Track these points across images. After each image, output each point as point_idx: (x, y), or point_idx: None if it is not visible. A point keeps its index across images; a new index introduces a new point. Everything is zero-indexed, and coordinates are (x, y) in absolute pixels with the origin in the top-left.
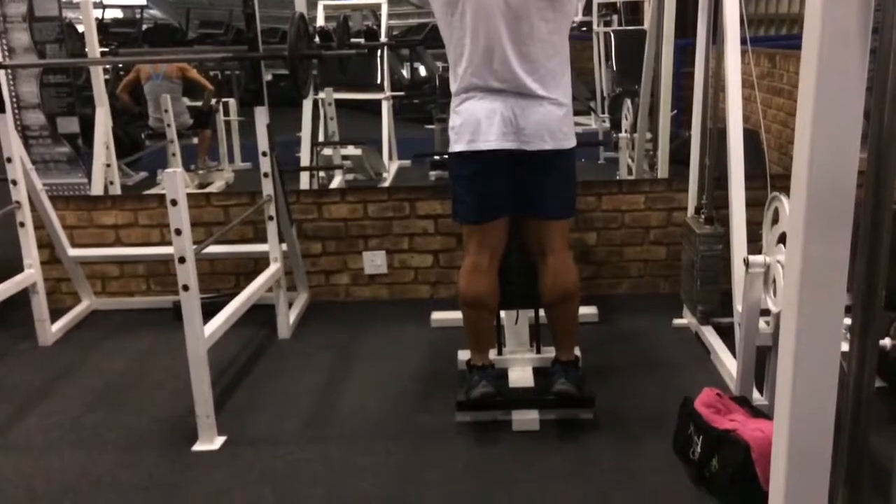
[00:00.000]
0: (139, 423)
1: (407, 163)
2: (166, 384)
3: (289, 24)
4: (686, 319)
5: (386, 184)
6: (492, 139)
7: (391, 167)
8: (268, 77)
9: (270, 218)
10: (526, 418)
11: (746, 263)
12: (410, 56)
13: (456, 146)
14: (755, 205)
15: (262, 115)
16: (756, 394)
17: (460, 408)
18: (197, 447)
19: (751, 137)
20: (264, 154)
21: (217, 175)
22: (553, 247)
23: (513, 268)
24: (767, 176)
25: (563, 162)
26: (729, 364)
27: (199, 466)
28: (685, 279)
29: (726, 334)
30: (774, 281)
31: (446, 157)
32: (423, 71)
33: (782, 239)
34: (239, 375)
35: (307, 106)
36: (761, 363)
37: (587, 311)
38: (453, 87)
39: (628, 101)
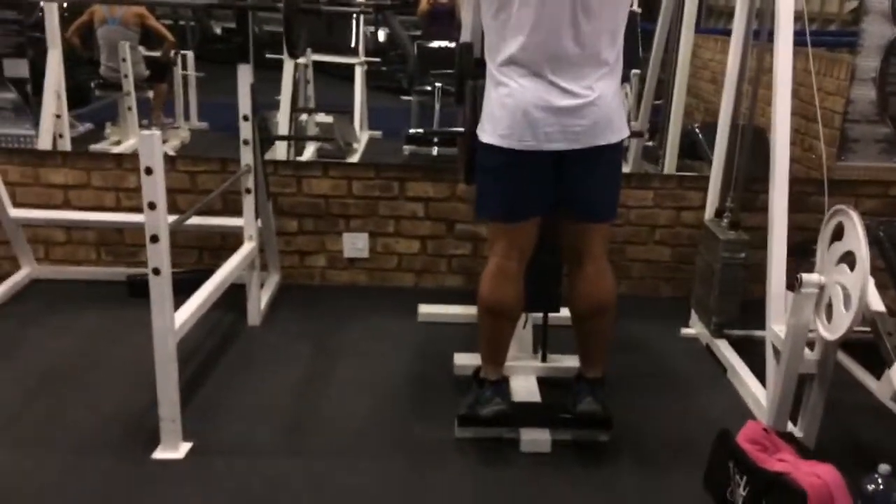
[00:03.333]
0: (90, 420)
1: (378, 134)
2: (121, 373)
3: None
4: (695, 329)
5: (356, 157)
6: (535, 140)
7: (362, 138)
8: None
9: (248, 191)
10: (536, 438)
11: (799, 281)
12: (376, 20)
13: (489, 136)
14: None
15: (245, 74)
16: (789, 424)
17: (463, 423)
18: (158, 454)
19: (760, 137)
20: (245, 118)
21: (172, 133)
22: (593, 252)
23: (534, 266)
24: (825, 181)
25: (613, 155)
26: (752, 386)
27: (161, 479)
28: (699, 286)
29: (742, 349)
30: (830, 305)
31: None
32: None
33: (845, 258)
34: (205, 368)
35: (288, 67)
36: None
37: None
38: (494, 58)
39: (626, 88)
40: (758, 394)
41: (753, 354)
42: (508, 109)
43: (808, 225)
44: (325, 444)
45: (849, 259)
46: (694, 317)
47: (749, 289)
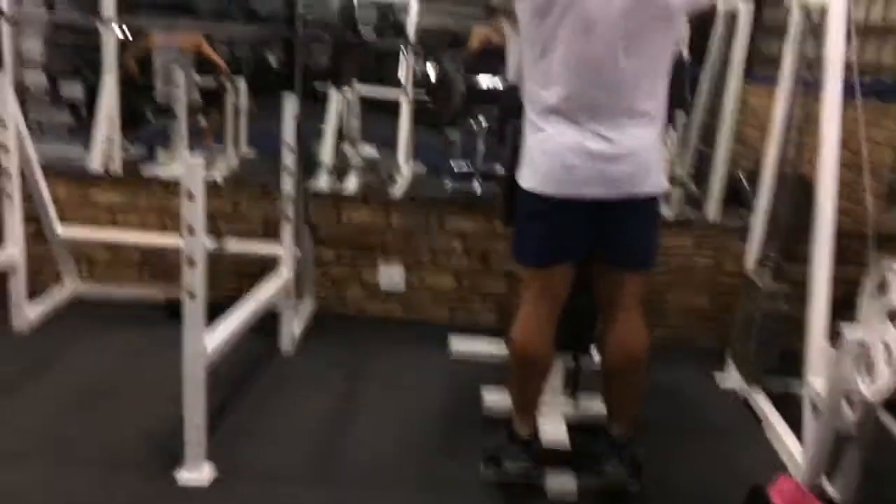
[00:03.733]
0: (119, 437)
1: (422, 168)
2: (153, 393)
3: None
4: (732, 379)
5: (399, 191)
6: (573, 186)
7: (406, 172)
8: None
9: (287, 219)
10: (563, 486)
11: (841, 337)
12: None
13: (527, 181)
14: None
15: (290, 103)
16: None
17: (489, 464)
18: (184, 477)
19: (805, 187)
20: (289, 147)
21: (221, 160)
22: (626, 303)
23: (568, 305)
24: (870, 233)
25: (651, 205)
26: (788, 441)
27: (182, 500)
28: (738, 336)
29: (780, 402)
30: (872, 362)
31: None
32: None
33: (890, 315)
34: (235, 392)
35: (335, 98)
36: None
37: None
38: (533, 107)
39: (671, 131)
40: (793, 449)
41: (791, 407)
42: (547, 156)
43: (853, 278)
44: (351, 474)
45: (894, 316)
46: (731, 366)
47: (789, 341)
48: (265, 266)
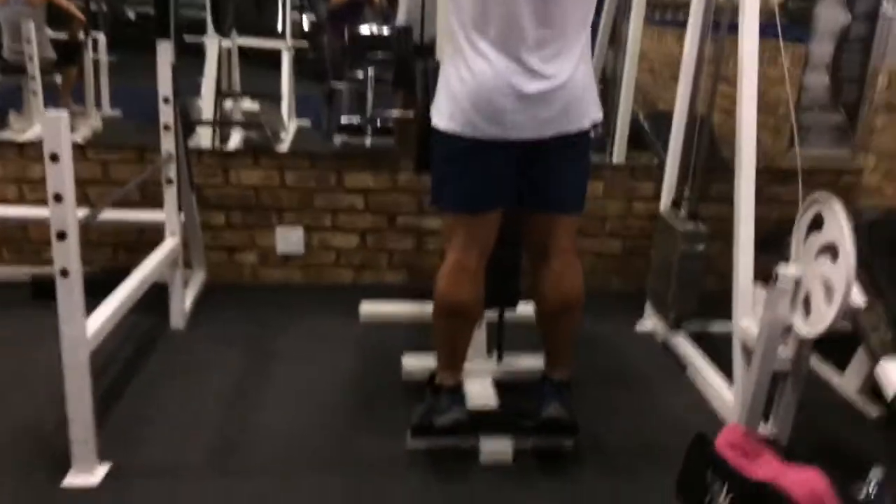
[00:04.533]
0: None
1: (307, 123)
2: (27, 384)
3: None
4: (651, 324)
5: (284, 146)
6: (501, 128)
7: (290, 127)
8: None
9: (170, 181)
10: (497, 448)
11: (775, 276)
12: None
13: (448, 122)
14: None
15: (165, 52)
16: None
17: (417, 433)
18: (70, 480)
19: (703, 126)
20: (166, 101)
21: (83, 121)
22: (560, 246)
23: (490, 259)
24: (799, 170)
25: (583, 142)
26: (716, 384)
27: None
28: (656, 280)
29: (700, 344)
30: (808, 299)
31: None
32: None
33: (826, 250)
34: (123, 379)
35: (212, 49)
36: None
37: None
38: (456, 40)
39: None
40: (722, 392)
41: (712, 349)
42: (471, 95)
43: (763, 215)
44: (261, 462)
45: (829, 251)
46: (649, 311)
47: (707, 282)
48: (144, 235)
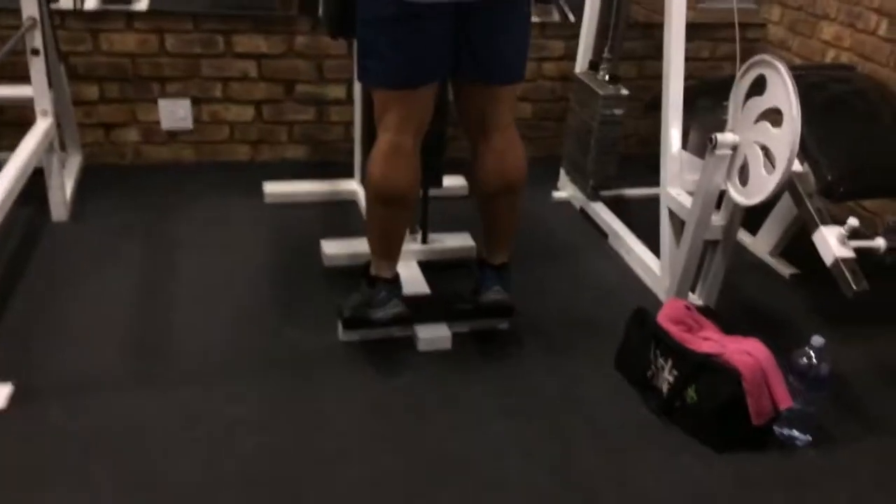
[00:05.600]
0: None
1: None
2: None
3: None
4: (567, 192)
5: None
6: None
7: None
8: None
9: (35, 52)
10: (436, 335)
11: (714, 142)
12: None
13: None
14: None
15: None
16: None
17: (349, 325)
18: None
19: None
20: None
21: None
22: (500, 122)
23: None
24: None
25: (521, 5)
26: (640, 252)
27: None
28: (572, 146)
29: (617, 210)
30: (745, 167)
31: None
32: None
33: (766, 116)
34: (7, 283)
35: None
36: None
37: (454, 182)
38: None
39: None
40: (647, 260)
41: (629, 215)
42: None
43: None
44: (185, 367)
45: (770, 116)
46: (564, 179)
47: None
48: (4, 115)
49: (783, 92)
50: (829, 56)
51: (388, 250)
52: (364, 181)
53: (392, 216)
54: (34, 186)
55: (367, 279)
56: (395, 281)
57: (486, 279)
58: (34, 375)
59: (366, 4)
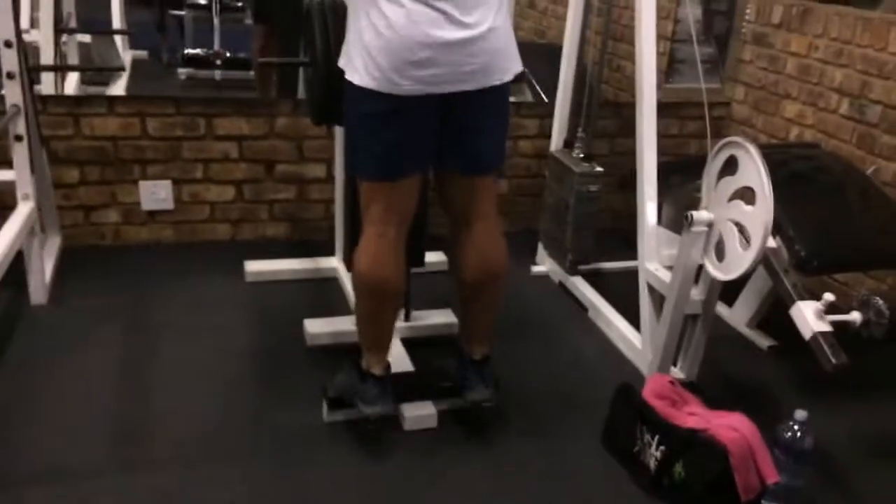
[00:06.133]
0: None
1: (143, 54)
2: None
3: None
4: (545, 266)
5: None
6: (425, 86)
7: (126, 58)
8: None
9: (18, 138)
10: (421, 414)
11: (689, 220)
12: None
13: (363, 77)
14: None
15: None
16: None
17: (335, 406)
18: None
19: (595, 65)
20: (8, 45)
21: None
22: (482, 211)
23: None
24: (706, 107)
25: (503, 95)
26: (622, 327)
27: None
28: (549, 222)
29: (595, 285)
30: (720, 243)
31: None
32: None
33: (739, 195)
34: None
35: None
36: None
37: (436, 258)
38: None
39: None
40: (628, 334)
41: (607, 289)
42: (388, 48)
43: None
44: (165, 453)
45: (744, 195)
46: (542, 254)
47: (601, 221)
48: None
49: (755, 172)
50: (794, 133)
51: (377, 341)
52: (351, 274)
53: (380, 307)
54: (13, 269)
55: (358, 370)
56: (386, 377)
57: (467, 376)
58: (11, 462)
59: (355, 100)
